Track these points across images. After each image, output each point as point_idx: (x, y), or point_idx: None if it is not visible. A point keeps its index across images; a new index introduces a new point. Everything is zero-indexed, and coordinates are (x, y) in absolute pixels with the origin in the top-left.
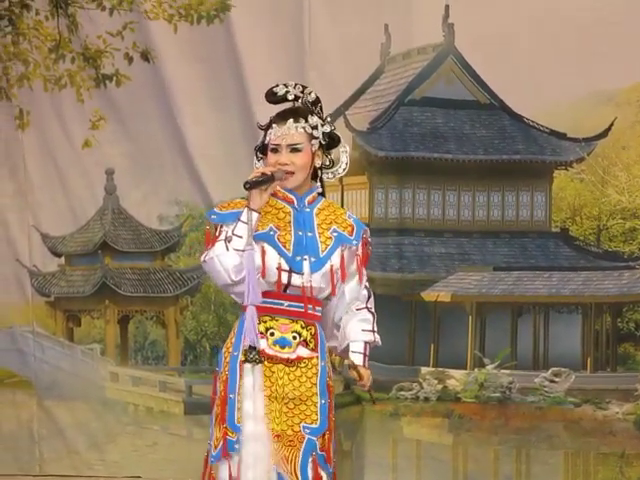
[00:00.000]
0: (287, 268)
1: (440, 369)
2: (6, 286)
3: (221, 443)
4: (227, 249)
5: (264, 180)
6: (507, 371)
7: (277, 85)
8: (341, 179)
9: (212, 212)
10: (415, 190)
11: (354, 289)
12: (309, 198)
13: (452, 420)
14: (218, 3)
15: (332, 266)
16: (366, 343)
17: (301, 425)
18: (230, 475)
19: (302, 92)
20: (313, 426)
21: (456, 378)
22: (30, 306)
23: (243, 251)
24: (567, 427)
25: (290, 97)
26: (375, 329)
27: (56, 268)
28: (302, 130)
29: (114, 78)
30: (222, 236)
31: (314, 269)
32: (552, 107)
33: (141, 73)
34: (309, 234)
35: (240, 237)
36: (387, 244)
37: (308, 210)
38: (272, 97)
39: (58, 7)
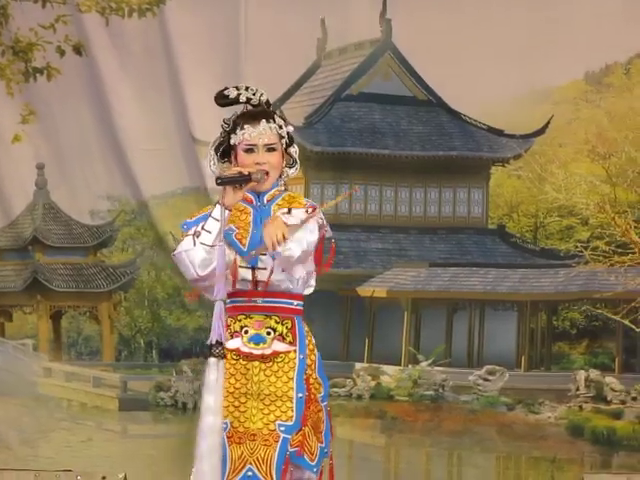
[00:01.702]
0: (244, 264)
1: (374, 365)
2: None
3: None
4: (194, 244)
5: (238, 179)
6: (441, 368)
7: (227, 88)
8: None
9: (184, 223)
10: (352, 186)
11: None
12: (267, 196)
13: (385, 421)
14: None
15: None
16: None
17: (276, 423)
18: None
19: (254, 94)
20: (288, 423)
21: (389, 374)
22: None
23: (211, 246)
24: (500, 431)
25: (242, 100)
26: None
27: None
28: (275, 130)
29: (45, 71)
30: (191, 231)
31: (272, 259)
32: (490, 104)
33: (73, 67)
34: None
35: (209, 232)
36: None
37: (266, 207)
38: (223, 100)
39: None
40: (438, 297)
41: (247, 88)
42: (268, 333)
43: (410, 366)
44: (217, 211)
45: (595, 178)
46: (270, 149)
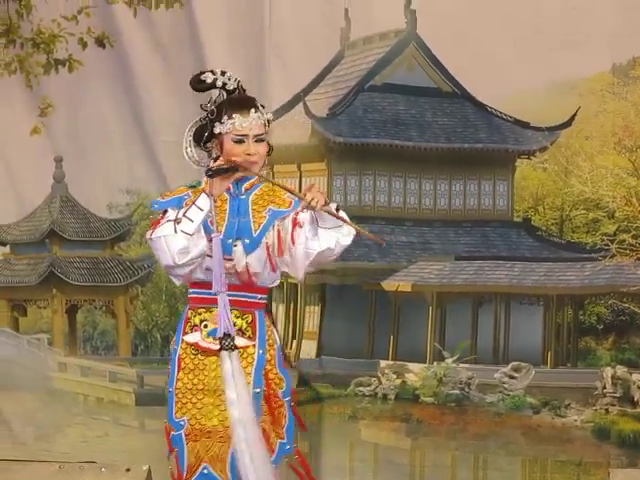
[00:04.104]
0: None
1: (399, 363)
2: None
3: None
4: (175, 231)
5: (228, 169)
6: (466, 365)
7: (203, 72)
8: (299, 165)
9: (155, 202)
10: (376, 177)
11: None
12: (246, 185)
13: (410, 424)
14: None
15: (267, 244)
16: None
17: None
18: (177, 469)
19: (229, 79)
20: None
21: (415, 372)
22: None
23: (191, 235)
24: (525, 434)
25: (219, 84)
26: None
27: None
28: (262, 120)
29: (67, 63)
30: (171, 216)
31: (249, 250)
32: (516, 96)
33: (95, 59)
34: (243, 219)
35: (191, 220)
36: None
37: (244, 197)
38: (199, 85)
39: None
40: (463, 291)
41: (223, 73)
42: None
43: (435, 363)
44: (202, 201)
45: (621, 171)
46: (259, 140)
